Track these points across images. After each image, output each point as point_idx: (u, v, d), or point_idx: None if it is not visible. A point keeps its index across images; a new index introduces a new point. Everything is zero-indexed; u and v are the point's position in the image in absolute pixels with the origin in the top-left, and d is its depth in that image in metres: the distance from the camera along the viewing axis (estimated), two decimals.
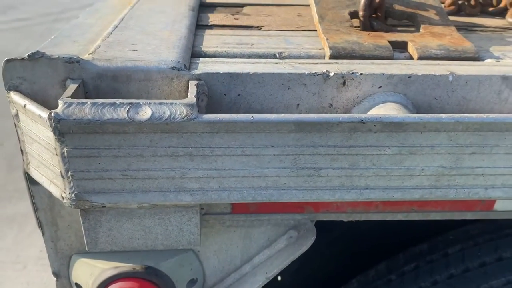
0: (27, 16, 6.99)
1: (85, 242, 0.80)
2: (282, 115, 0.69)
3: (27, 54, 0.73)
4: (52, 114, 0.66)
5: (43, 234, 0.91)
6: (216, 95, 0.78)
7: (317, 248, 1.04)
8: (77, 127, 0.66)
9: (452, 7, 1.19)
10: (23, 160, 0.82)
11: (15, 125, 0.78)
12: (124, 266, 0.90)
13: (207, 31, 1.00)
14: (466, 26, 1.11)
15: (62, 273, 0.96)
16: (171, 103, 0.67)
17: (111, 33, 0.88)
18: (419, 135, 0.71)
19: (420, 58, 0.87)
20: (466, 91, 0.81)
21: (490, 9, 1.23)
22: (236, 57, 0.87)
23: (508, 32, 1.09)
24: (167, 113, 0.67)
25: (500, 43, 0.99)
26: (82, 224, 0.78)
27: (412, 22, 1.01)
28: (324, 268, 1.59)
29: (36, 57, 0.73)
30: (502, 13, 1.22)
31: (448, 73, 0.80)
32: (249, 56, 0.87)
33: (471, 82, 0.80)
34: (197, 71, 0.76)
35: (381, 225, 1.12)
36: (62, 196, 0.74)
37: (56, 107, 0.67)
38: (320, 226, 0.99)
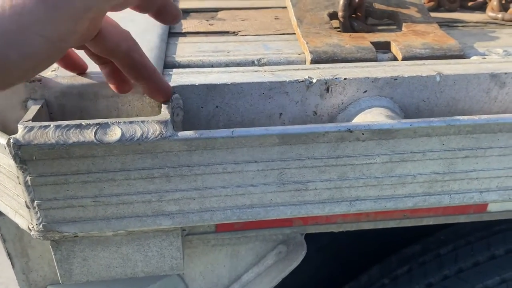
0: None
1: (59, 274, 0.73)
2: (264, 128, 0.64)
3: None
4: (11, 140, 0.59)
5: (13, 267, 0.85)
6: (192, 108, 0.73)
7: (306, 255, 1.00)
8: (40, 153, 0.60)
9: (432, 3, 1.16)
10: None
11: None
12: None
13: (181, 39, 0.94)
14: (447, 22, 1.09)
15: None
16: (143, 121, 0.62)
17: None
18: (410, 141, 0.67)
19: (404, 59, 0.83)
20: (455, 91, 0.77)
21: (470, 3, 1.21)
22: (212, 66, 0.82)
23: (489, 26, 1.06)
24: (139, 133, 0.61)
25: (483, 39, 0.97)
26: (53, 256, 0.72)
27: (393, 20, 0.98)
28: (314, 276, 1.55)
29: None
30: (481, 7, 1.19)
31: (435, 73, 0.76)
32: (226, 64, 0.82)
33: (459, 82, 0.77)
34: (171, 84, 0.71)
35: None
36: (29, 227, 0.68)
37: (17, 131, 0.61)
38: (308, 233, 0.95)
